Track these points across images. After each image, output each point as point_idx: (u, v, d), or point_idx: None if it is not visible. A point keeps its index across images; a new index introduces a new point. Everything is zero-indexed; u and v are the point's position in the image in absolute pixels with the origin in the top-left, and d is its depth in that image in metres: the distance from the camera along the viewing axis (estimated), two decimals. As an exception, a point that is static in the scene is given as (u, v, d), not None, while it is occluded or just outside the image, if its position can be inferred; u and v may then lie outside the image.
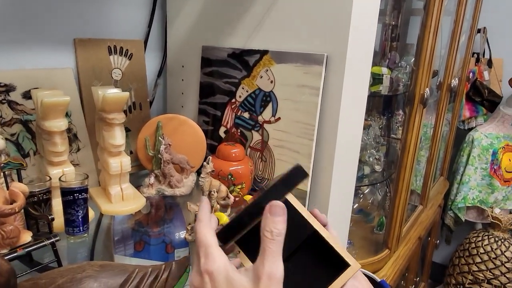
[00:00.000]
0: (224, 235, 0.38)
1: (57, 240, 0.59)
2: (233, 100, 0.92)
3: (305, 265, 0.48)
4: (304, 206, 0.84)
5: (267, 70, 0.84)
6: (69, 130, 0.89)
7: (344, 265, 0.45)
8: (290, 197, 0.52)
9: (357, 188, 1.38)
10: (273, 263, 0.32)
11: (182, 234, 0.80)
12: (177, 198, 0.93)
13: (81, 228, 0.70)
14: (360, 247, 1.31)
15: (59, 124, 0.72)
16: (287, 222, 0.49)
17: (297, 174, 0.42)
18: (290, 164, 0.84)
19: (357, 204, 1.42)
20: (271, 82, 0.84)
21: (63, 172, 0.74)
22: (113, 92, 0.78)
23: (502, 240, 1.78)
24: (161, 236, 0.83)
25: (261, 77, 0.85)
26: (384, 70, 1.28)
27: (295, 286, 0.44)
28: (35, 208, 0.65)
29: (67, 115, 0.90)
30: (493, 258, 1.76)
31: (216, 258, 0.34)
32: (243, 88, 0.89)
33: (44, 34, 0.86)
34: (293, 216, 0.50)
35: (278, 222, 0.34)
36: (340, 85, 0.74)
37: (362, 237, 1.41)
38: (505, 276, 1.73)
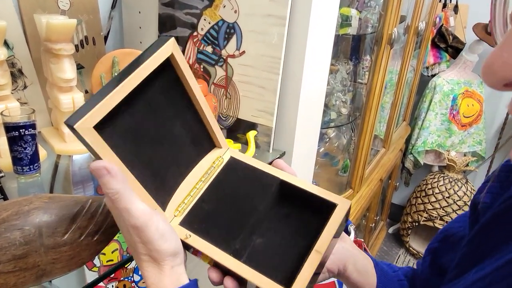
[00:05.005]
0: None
1: (1, 176, 0.54)
2: (195, 34, 0.86)
3: (287, 219, 0.43)
4: (270, 143, 0.80)
5: (230, -1, 0.78)
6: (13, 64, 0.81)
7: (331, 207, 0.41)
8: (236, 154, 0.46)
9: (324, 133, 1.39)
10: (130, 217, 0.35)
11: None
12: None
13: (31, 166, 0.65)
14: (324, 188, 1.35)
15: (-4, 53, 0.64)
16: (244, 183, 0.44)
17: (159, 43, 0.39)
18: (256, 100, 0.81)
19: (323, 148, 1.44)
20: (235, 12, 0.78)
21: (7, 107, 0.67)
22: (58, 19, 0.70)
23: (456, 181, 1.90)
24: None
25: (224, 6, 0.79)
26: (353, 11, 1.24)
27: (284, 242, 0.41)
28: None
29: (8, 47, 0.81)
30: (446, 197, 1.88)
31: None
32: (205, 20, 0.83)
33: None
34: (248, 173, 0.44)
35: (106, 183, 0.34)
36: (307, 14, 0.70)
37: (327, 179, 1.44)
38: (456, 213, 1.87)
